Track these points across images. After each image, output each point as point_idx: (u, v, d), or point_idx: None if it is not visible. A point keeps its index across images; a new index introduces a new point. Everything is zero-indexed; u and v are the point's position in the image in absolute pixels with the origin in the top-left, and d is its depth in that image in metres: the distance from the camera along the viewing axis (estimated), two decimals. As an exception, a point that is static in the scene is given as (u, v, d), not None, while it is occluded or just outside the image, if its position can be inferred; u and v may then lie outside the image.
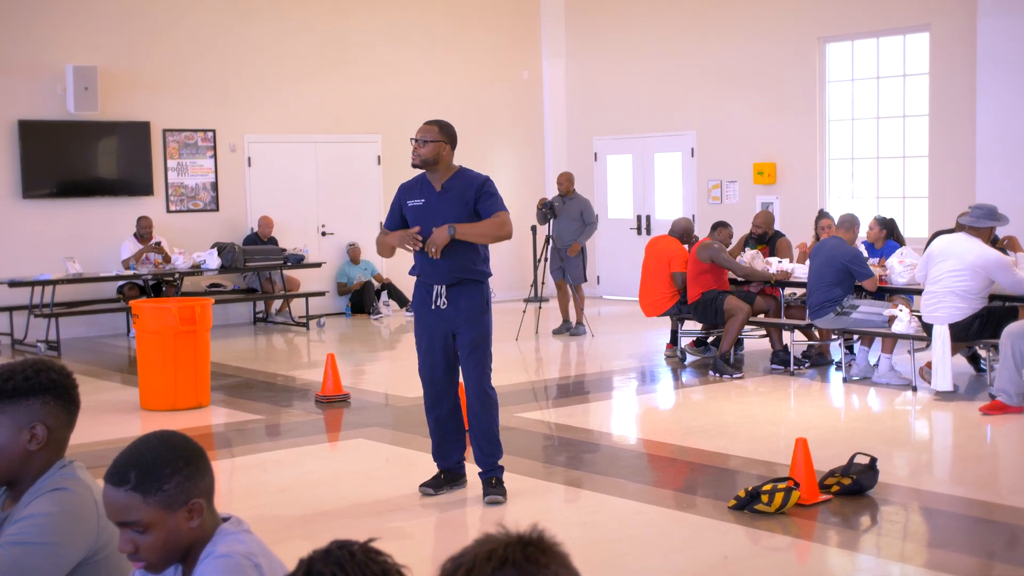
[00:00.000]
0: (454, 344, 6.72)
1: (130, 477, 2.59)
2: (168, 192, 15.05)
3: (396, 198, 6.88)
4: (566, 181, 13.85)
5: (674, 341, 12.02)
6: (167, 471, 2.59)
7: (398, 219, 6.81)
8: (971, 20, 13.12)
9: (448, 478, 6.89)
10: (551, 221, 13.69)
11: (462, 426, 6.91)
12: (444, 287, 6.66)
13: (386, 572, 2.06)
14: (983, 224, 9.31)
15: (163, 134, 14.95)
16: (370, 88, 16.46)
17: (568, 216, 13.66)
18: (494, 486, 6.70)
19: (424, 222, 6.66)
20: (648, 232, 16.84)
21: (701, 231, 15.98)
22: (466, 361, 6.69)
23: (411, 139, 6.80)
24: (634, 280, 11.98)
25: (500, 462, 6.78)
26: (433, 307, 6.68)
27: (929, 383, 9.61)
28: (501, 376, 11.08)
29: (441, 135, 6.74)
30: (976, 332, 9.36)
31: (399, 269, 16.76)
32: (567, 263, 13.61)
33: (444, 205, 6.64)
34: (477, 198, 6.63)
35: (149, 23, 14.81)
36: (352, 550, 2.07)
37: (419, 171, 6.83)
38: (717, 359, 10.83)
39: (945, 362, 9.32)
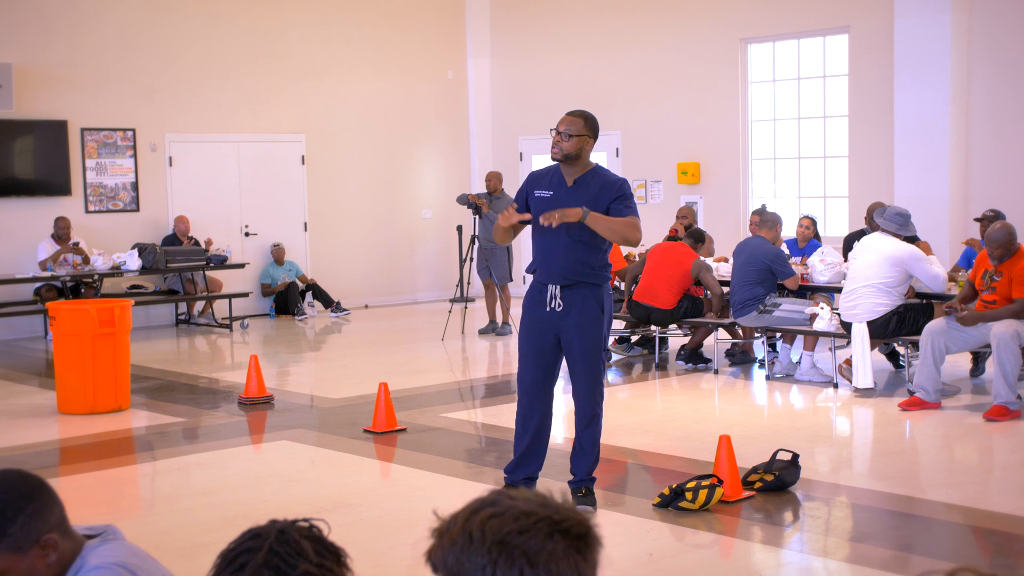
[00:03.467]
0: (559, 350, 6.40)
1: None
2: (87, 192, 14.80)
3: (524, 185, 6.51)
4: (495, 179, 13.84)
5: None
6: (8, 513, 2.44)
7: (523, 207, 6.41)
8: (888, 22, 13.34)
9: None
10: (476, 220, 13.67)
11: (547, 440, 6.56)
12: (559, 288, 6.29)
13: (336, 553, 2.05)
14: (905, 233, 9.50)
15: (81, 133, 14.70)
16: (294, 87, 16.33)
17: (495, 215, 13.63)
18: (583, 496, 6.44)
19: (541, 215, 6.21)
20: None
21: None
22: (578, 371, 6.34)
23: (553, 130, 6.34)
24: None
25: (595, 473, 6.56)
26: (547, 309, 6.31)
27: (849, 380, 9.75)
28: (427, 376, 11.09)
29: (586, 128, 6.28)
30: (894, 329, 9.51)
31: (324, 269, 16.65)
32: (493, 263, 13.61)
33: (573, 200, 6.21)
34: (612, 199, 6.23)
35: (66, 19, 14.54)
36: (313, 532, 2.03)
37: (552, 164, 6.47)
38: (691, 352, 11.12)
39: (865, 360, 9.46)
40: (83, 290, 13.99)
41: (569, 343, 6.32)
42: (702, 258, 11.16)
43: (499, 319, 13.90)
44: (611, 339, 12.04)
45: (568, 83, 16.93)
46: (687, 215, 12.41)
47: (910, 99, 13.11)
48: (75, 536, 2.58)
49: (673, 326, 11.56)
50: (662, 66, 15.83)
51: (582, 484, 6.49)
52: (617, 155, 16.58)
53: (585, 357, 6.31)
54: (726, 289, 11.24)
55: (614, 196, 6.24)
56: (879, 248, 9.47)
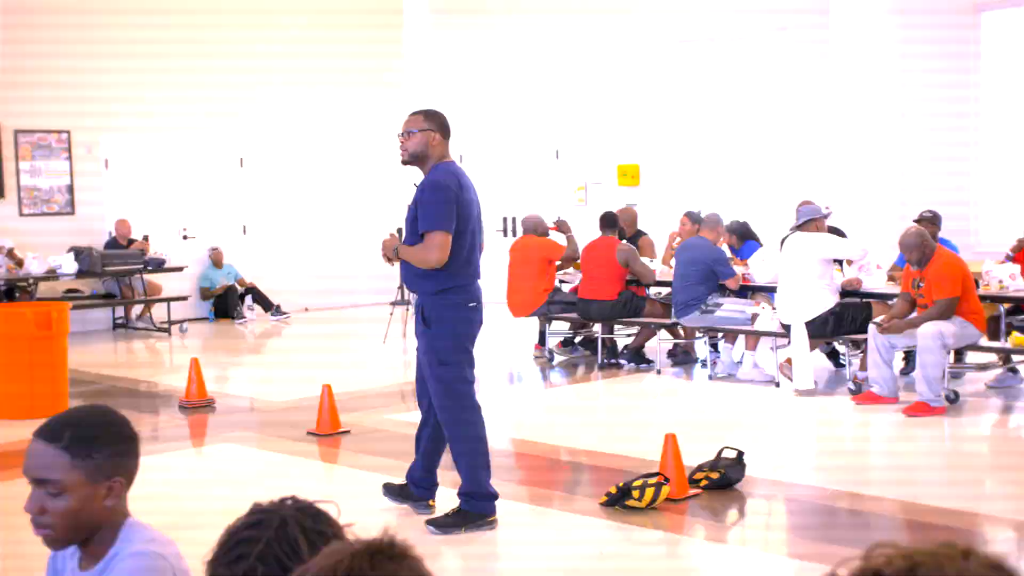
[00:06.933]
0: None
1: (63, 436, 2.53)
2: (21, 195, 14.56)
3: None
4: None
5: (542, 342, 12.07)
6: (102, 441, 2.57)
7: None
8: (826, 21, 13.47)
9: (404, 492, 6.40)
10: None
11: (429, 447, 6.25)
12: (415, 297, 6.09)
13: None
14: (804, 219, 9.80)
15: (15, 135, 14.46)
16: (232, 89, 16.17)
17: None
18: (444, 514, 6.06)
19: (406, 223, 6.05)
20: (514, 234, 16.89)
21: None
22: (428, 384, 6.07)
23: (398, 135, 6.01)
24: (499, 282, 11.94)
25: (467, 492, 6.01)
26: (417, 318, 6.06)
27: (790, 378, 9.84)
28: (370, 379, 11.04)
29: (427, 123, 5.92)
30: (832, 329, 9.64)
31: (263, 273, 16.51)
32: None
33: (412, 207, 5.90)
34: (417, 203, 5.84)
35: (0, 20, 14.32)
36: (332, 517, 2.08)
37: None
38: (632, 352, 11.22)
39: (804, 360, 9.57)
40: (17, 294, 13.76)
41: (419, 353, 6.08)
42: (626, 243, 11.21)
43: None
44: (555, 341, 12.06)
45: (508, 84, 16.94)
46: (627, 216, 12.39)
47: (845, 98, 13.23)
48: (126, 505, 2.68)
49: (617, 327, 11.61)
50: (601, 68, 15.88)
51: (458, 500, 6.10)
52: (557, 157, 16.62)
53: (427, 369, 5.98)
54: (666, 291, 11.30)
55: (419, 200, 5.84)
56: (795, 246, 9.73)
